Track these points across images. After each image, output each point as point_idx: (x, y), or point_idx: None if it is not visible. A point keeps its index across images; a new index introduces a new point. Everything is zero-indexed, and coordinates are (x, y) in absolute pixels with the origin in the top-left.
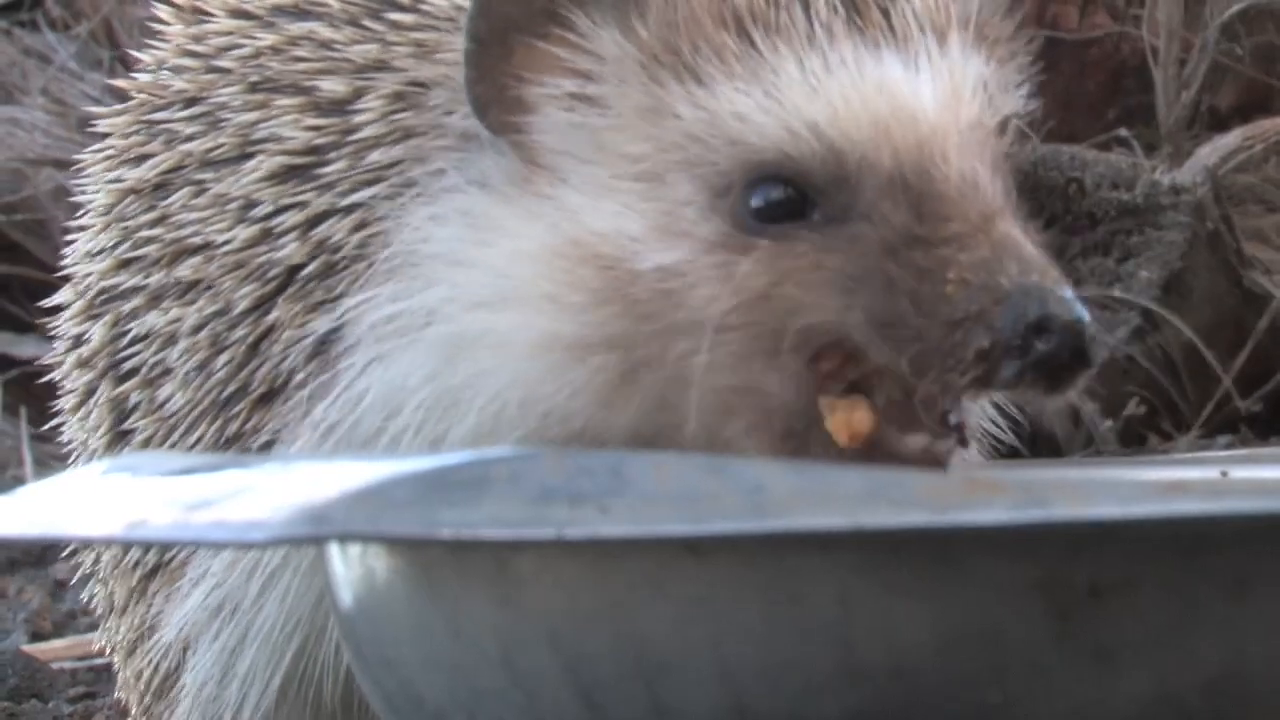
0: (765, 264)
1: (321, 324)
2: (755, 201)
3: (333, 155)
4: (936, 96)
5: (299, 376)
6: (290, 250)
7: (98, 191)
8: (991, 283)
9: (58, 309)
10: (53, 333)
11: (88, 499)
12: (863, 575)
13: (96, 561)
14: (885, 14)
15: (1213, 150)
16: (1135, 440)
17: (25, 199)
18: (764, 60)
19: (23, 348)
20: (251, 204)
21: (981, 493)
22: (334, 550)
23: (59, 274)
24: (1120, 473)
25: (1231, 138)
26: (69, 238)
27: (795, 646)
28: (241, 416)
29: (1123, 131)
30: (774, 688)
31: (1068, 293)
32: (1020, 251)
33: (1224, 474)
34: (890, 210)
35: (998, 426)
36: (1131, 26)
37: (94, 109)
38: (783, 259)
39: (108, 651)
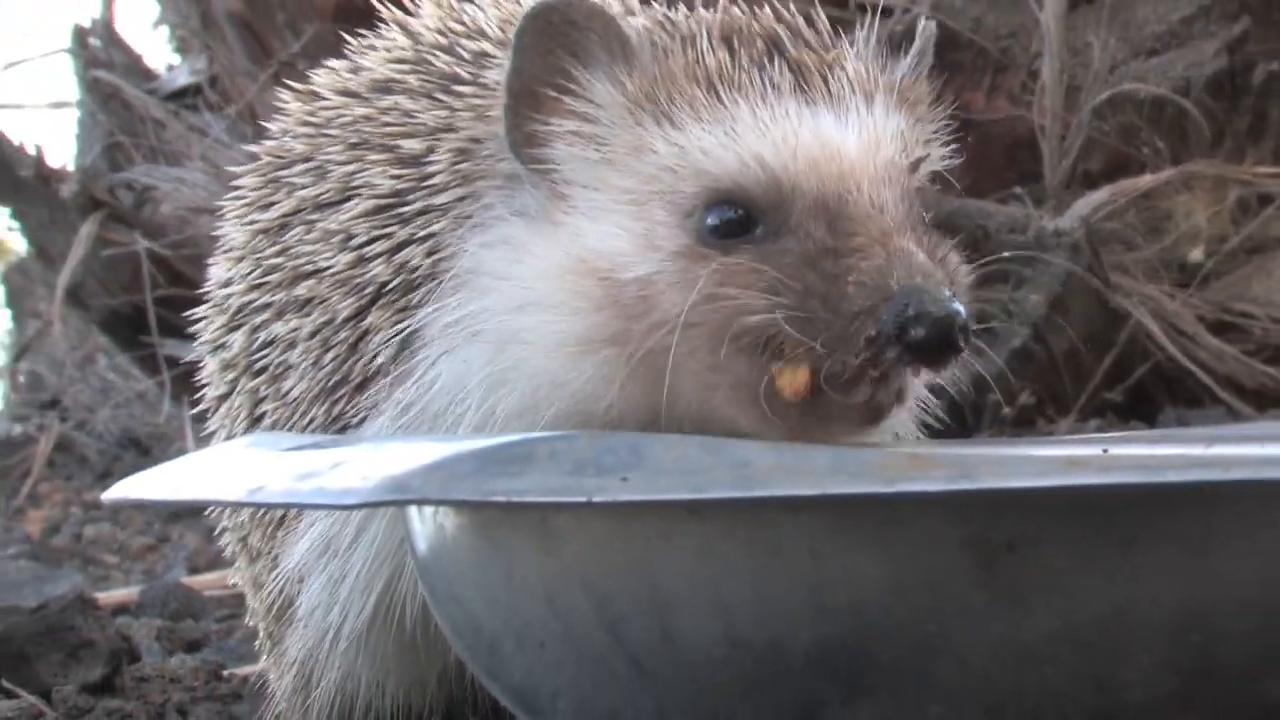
0: (715, 272)
1: (403, 327)
2: (711, 220)
3: (411, 198)
4: (859, 142)
5: (384, 366)
6: (379, 271)
7: (236, 232)
8: (882, 284)
9: (202, 319)
10: (198, 342)
11: (219, 470)
12: (828, 532)
13: (230, 516)
14: (825, 80)
15: (1086, 204)
16: (1027, 423)
17: (189, 238)
18: (725, 110)
19: (186, 351)
20: (350, 236)
21: (922, 467)
22: (412, 511)
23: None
24: (1023, 450)
25: (1100, 194)
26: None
27: (775, 588)
28: (344, 400)
29: (1018, 190)
30: (758, 620)
31: (945, 292)
32: (910, 260)
33: (1105, 451)
34: (813, 227)
35: (926, 412)
36: (1025, 110)
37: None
38: (728, 267)
39: (240, 587)
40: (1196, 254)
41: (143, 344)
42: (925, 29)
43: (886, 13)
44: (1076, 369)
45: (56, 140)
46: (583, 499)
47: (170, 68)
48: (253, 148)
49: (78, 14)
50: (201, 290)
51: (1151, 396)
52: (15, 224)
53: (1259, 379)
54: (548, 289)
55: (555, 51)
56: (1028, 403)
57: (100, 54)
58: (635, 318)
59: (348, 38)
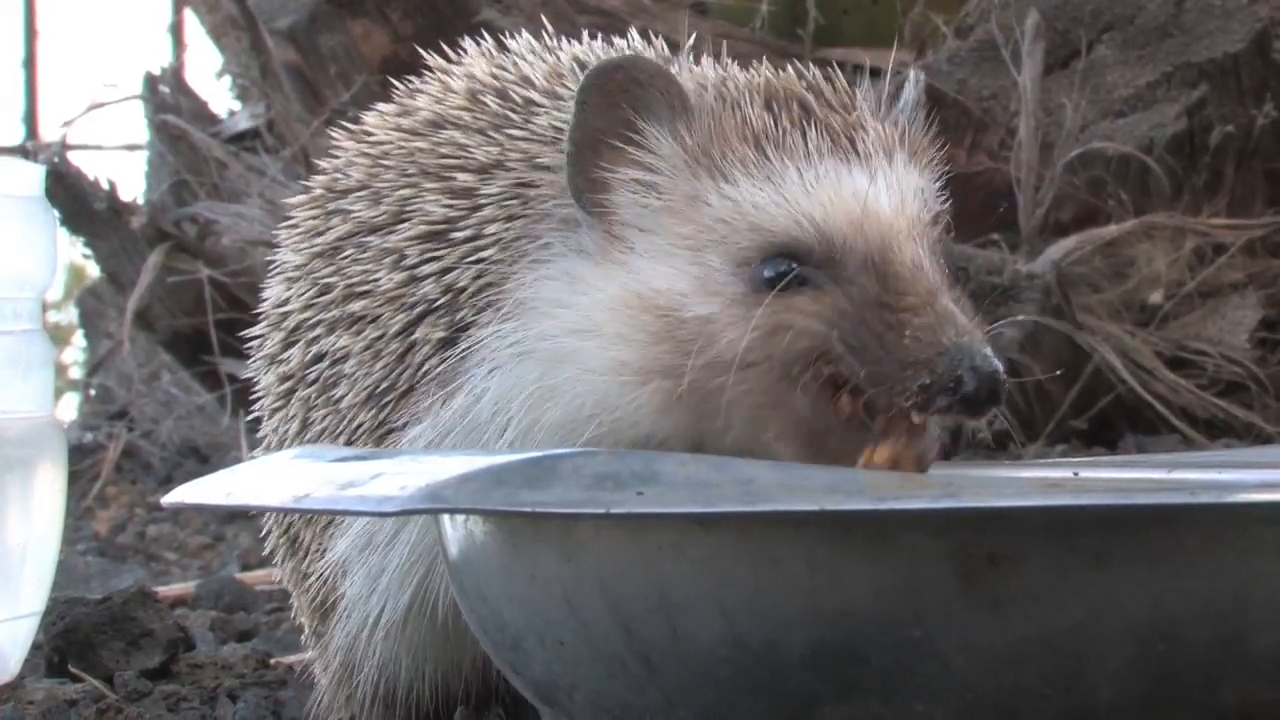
0: (773, 308)
1: (454, 344)
2: (768, 273)
3: (462, 225)
4: (891, 202)
5: (429, 374)
6: (428, 289)
7: (292, 256)
8: (935, 340)
9: (257, 338)
10: (254, 358)
11: (269, 478)
12: (824, 544)
13: (277, 517)
14: (852, 141)
15: (1057, 250)
16: (999, 447)
17: (246, 267)
18: (773, 168)
19: (243, 369)
20: (402, 256)
21: (911, 486)
22: (445, 519)
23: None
24: (1000, 472)
25: (1070, 241)
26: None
27: (774, 594)
28: (390, 406)
29: (995, 236)
30: (759, 623)
31: (988, 350)
32: (956, 320)
33: (1076, 474)
34: (865, 280)
35: None
36: (1003, 164)
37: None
38: (786, 304)
39: (286, 585)
40: (1156, 296)
41: (203, 362)
42: (915, 79)
43: (875, 74)
44: (1045, 398)
45: (128, 177)
46: (601, 511)
47: (232, 113)
48: (306, 182)
49: (150, 63)
50: (257, 312)
51: (1113, 425)
52: (89, 252)
53: (1210, 410)
54: (606, 319)
55: (620, 105)
56: (1000, 428)
57: (169, 100)
58: (690, 354)
59: (395, 84)
